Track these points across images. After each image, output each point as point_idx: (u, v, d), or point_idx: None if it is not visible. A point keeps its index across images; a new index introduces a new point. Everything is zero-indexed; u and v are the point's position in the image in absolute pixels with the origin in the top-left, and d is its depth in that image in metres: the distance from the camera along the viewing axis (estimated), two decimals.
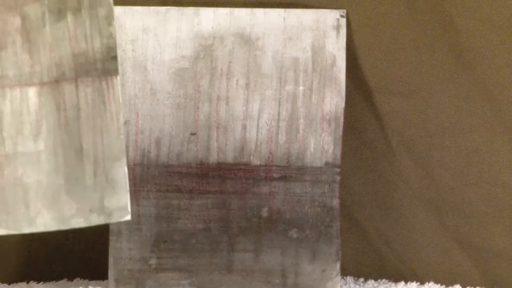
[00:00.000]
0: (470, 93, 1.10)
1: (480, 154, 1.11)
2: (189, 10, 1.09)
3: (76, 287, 1.13)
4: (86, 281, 1.15)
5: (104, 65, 0.96)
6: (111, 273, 1.08)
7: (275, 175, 1.08)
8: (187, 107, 1.08)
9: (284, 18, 1.08)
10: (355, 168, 1.13)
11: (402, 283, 1.13)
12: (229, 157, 1.08)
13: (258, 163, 1.08)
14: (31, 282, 1.16)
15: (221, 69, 1.08)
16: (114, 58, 0.96)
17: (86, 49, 0.96)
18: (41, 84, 0.96)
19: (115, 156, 0.96)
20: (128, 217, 0.94)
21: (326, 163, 1.07)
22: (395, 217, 1.14)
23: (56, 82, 0.96)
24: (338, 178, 1.07)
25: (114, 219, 0.95)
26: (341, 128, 1.07)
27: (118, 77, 0.96)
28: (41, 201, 0.95)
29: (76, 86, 0.96)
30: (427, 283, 1.13)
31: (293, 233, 1.08)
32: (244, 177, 1.07)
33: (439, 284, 1.12)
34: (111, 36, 0.96)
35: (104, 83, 0.96)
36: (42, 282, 1.16)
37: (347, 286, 1.13)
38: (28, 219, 0.94)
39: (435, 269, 1.13)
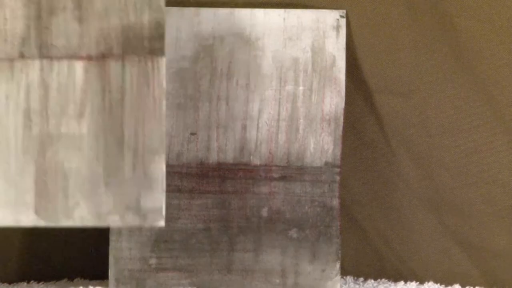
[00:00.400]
0: (470, 93, 1.10)
1: (479, 154, 1.11)
2: (189, 10, 1.09)
3: (76, 287, 1.13)
4: (87, 281, 1.15)
5: (151, 43, 0.93)
6: (111, 273, 1.08)
7: (275, 175, 1.08)
8: (187, 107, 1.08)
9: (284, 18, 1.08)
10: (355, 168, 1.13)
11: (402, 282, 1.13)
12: (229, 157, 1.08)
13: (258, 163, 1.08)
14: (31, 282, 1.16)
15: (221, 69, 1.08)
16: (162, 36, 0.93)
17: (135, 22, 0.93)
18: (89, 58, 0.93)
19: (155, 149, 0.93)
20: (162, 223, 0.93)
21: (326, 163, 1.08)
22: (394, 217, 1.14)
23: (103, 57, 0.93)
24: (338, 178, 1.08)
25: (148, 222, 0.93)
26: (341, 128, 1.08)
27: (164, 58, 0.93)
28: (79, 191, 0.93)
29: (123, 65, 0.93)
30: (426, 282, 1.13)
31: (293, 233, 1.08)
32: (244, 177, 1.08)
33: (438, 284, 1.12)
34: (160, 10, 0.93)
35: (150, 63, 0.93)
36: (43, 282, 1.16)
37: (347, 285, 1.13)
38: (66, 211, 0.92)
39: (434, 268, 1.13)
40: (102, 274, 1.12)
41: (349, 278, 1.15)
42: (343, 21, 1.07)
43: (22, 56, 0.94)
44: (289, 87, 1.08)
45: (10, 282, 1.15)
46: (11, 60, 0.94)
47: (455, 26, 1.08)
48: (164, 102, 0.92)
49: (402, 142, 1.12)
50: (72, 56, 0.93)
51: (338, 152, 1.07)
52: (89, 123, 0.94)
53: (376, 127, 1.12)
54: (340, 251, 1.08)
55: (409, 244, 1.14)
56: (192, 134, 1.08)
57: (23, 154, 0.93)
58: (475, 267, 1.12)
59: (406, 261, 1.14)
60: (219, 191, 1.08)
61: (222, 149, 1.08)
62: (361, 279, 1.15)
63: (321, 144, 1.07)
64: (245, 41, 1.08)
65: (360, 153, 1.13)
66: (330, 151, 1.07)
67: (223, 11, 1.08)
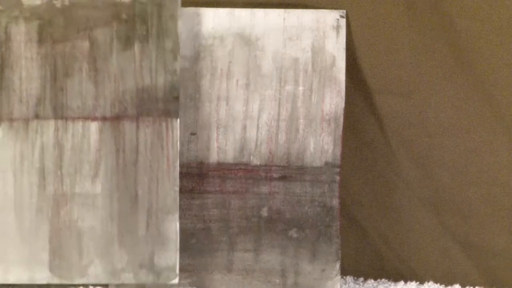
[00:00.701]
0: (469, 93, 1.10)
1: (479, 154, 1.11)
2: (189, 10, 1.09)
3: (76, 287, 1.12)
4: None
5: (165, 105, 0.95)
6: None
7: (275, 175, 1.08)
8: (187, 107, 1.08)
9: (284, 19, 1.08)
10: (354, 168, 1.13)
11: (402, 282, 1.13)
12: (229, 157, 1.08)
13: (258, 163, 1.08)
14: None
15: (221, 69, 1.08)
16: (176, 98, 0.95)
17: (150, 84, 0.95)
18: (103, 119, 0.94)
19: (168, 208, 0.95)
20: (176, 281, 0.94)
21: (326, 163, 1.08)
22: (394, 216, 1.14)
23: (118, 118, 0.95)
24: (337, 178, 1.08)
25: (162, 279, 0.94)
26: (341, 128, 1.08)
27: (178, 120, 0.95)
28: (94, 249, 0.95)
29: (137, 126, 0.95)
30: (426, 282, 1.13)
31: (293, 233, 1.08)
32: (244, 177, 1.08)
33: (438, 284, 1.12)
34: (175, 73, 0.95)
35: (164, 124, 0.95)
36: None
37: (347, 285, 1.13)
38: (81, 269, 0.94)
39: (434, 268, 1.13)
40: None
41: (349, 278, 1.15)
42: (343, 21, 1.07)
43: (37, 116, 0.96)
44: (289, 87, 1.08)
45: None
46: (26, 120, 0.96)
47: (455, 26, 1.08)
48: (177, 163, 0.95)
49: (402, 142, 1.12)
50: (87, 117, 0.96)
51: (338, 152, 1.08)
52: (103, 183, 0.96)
53: (376, 127, 1.13)
54: (340, 251, 1.08)
55: (409, 244, 1.14)
56: (192, 134, 1.08)
57: (38, 212, 0.95)
58: (475, 267, 1.12)
59: (406, 261, 1.14)
60: (219, 191, 1.08)
61: (222, 149, 1.08)
62: (361, 279, 1.15)
63: (321, 144, 1.08)
64: (245, 41, 1.08)
65: (360, 153, 1.13)
66: (330, 151, 1.07)
67: (223, 11, 1.08)
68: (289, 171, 1.08)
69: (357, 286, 1.14)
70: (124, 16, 0.95)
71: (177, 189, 0.93)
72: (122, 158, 0.94)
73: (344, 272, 1.14)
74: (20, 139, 0.95)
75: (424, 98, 1.11)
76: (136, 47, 0.95)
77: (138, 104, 0.94)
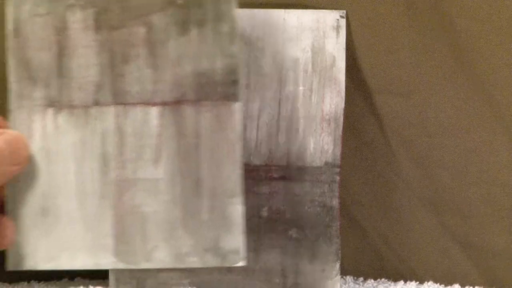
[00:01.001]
0: (469, 93, 1.10)
1: (479, 154, 1.11)
2: None
3: (77, 287, 1.13)
4: (87, 280, 1.15)
5: (224, 89, 0.95)
6: (111, 272, 1.08)
7: (275, 175, 1.08)
8: None
9: (284, 19, 1.08)
10: (354, 168, 1.14)
11: (402, 282, 1.13)
12: None
13: (258, 163, 1.08)
14: (31, 281, 1.16)
15: None
16: (235, 82, 0.94)
17: (208, 69, 0.95)
18: (163, 104, 0.94)
19: (231, 191, 0.95)
20: (243, 263, 0.94)
21: (326, 163, 1.08)
22: (394, 216, 1.14)
23: (178, 103, 0.94)
24: (337, 178, 1.08)
25: (228, 262, 0.94)
26: (340, 128, 1.08)
27: (240, 103, 0.94)
28: (158, 234, 0.94)
29: (197, 110, 0.94)
30: (426, 282, 1.13)
31: (293, 233, 1.08)
32: (244, 177, 1.08)
33: (438, 284, 1.12)
34: (234, 56, 0.94)
35: (223, 108, 0.94)
36: (43, 282, 1.16)
37: (347, 285, 1.13)
38: (145, 253, 0.94)
39: (434, 268, 1.13)
40: (102, 274, 1.12)
41: (349, 278, 1.15)
42: (343, 22, 1.07)
43: (97, 103, 0.95)
44: (289, 87, 1.08)
45: (10, 282, 1.15)
46: (86, 107, 0.95)
47: (455, 26, 1.08)
48: (239, 146, 0.94)
49: (402, 142, 1.12)
50: (147, 102, 0.95)
51: (338, 152, 1.08)
52: (165, 167, 0.95)
53: (376, 127, 1.13)
54: (340, 251, 1.08)
55: (408, 244, 1.14)
56: None
57: (100, 198, 0.95)
58: (474, 267, 1.12)
59: (406, 261, 1.14)
60: None
61: None
62: (361, 279, 1.15)
63: (321, 144, 1.08)
64: (245, 41, 1.08)
65: (360, 153, 1.13)
66: (330, 151, 1.08)
67: None
68: (289, 171, 1.08)
69: (357, 286, 1.14)
70: (179, 1, 0.94)
71: (240, 171, 0.93)
72: (183, 143, 0.94)
73: (344, 272, 1.14)
74: (81, 126, 0.95)
75: (424, 98, 1.11)
76: (193, 31, 0.94)
77: (197, 88, 0.94)
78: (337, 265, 1.08)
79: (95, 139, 0.95)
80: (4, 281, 1.15)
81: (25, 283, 1.16)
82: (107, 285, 1.09)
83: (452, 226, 1.12)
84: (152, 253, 0.93)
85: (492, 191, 1.11)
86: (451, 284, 1.12)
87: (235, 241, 0.94)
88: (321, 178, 1.07)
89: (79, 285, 1.13)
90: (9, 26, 0.96)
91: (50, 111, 0.95)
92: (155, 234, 0.94)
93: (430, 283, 1.13)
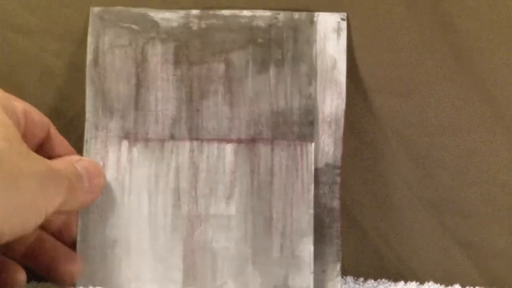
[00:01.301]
0: (470, 93, 1.10)
1: (479, 154, 1.11)
2: None
3: (77, 286, 1.13)
4: None
5: (300, 129, 0.95)
6: None
7: None
8: None
9: None
10: (355, 168, 1.13)
11: (402, 282, 1.13)
12: None
13: None
14: (31, 281, 1.16)
15: None
16: (311, 122, 0.95)
17: (285, 108, 0.95)
18: (238, 141, 0.94)
19: (303, 231, 0.96)
20: None
21: (326, 164, 1.07)
22: (394, 217, 1.14)
23: (253, 141, 0.95)
24: (338, 179, 1.07)
25: None
26: (341, 129, 1.07)
27: (314, 145, 0.95)
28: (228, 270, 0.95)
29: (272, 149, 0.95)
30: (426, 282, 1.13)
31: None
32: None
33: (438, 284, 1.13)
34: (310, 97, 0.95)
35: (299, 148, 0.95)
36: (43, 282, 1.16)
37: (347, 285, 1.13)
38: None
39: (434, 268, 1.13)
40: None
41: (349, 278, 1.15)
42: (344, 24, 1.07)
43: (172, 137, 0.96)
44: None
45: None
46: (161, 140, 0.96)
47: (455, 26, 1.08)
48: (312, 186, 0.95)
49: (402, 142, 1.12)
50: (222, 139, 0.96)
51: (339, 153, 1.07)
52: (237, 204, 0.96)
53: (376, 127, 1.12)
54: (341, 252, 1.08)
55: (409, 244, 1.14)
56: None
57: (172, 232, 0.95)
58: (475, 267, 1.12)
59: (406, 261, 1.14)
60: None
61: None
62: (361, 279, 1.15)
63: (322, 146, 1.07)
64: None
65: (360, 153, 1.13)
66: (330, 152, 1.07)
67: None
68: None
69: (357, 286, 1.14)
70: (260, 40, 0.95)
71: (312, 212, 0.94)
72: (256, 180, 0.95)
73: (344, 272, 1.14)
74: (156, 159, 0.96)
75: (424, 98, 1.11)
76: (272, 70, 0.95)
77: (273, 127, 0.95)
78: (338, 266, 1.08)
79: (170, 173, 0.95)
80: None
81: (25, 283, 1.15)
82: None
83: (452, 226, 1.12)
84: None
85: (492, 191, 1.11)
86: (451, 284, 1.12)
87: (304, 280, 0.95)
88: (321, 179, 1.07)
89: (79, 285, 1.13)
90: (89, 56, 0.97)
91: (125, 143, 0.96)
92: (225, 270, 0.94)
93: (431, 283, 1.13)
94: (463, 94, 1.10)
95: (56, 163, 0.90)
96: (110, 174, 0.96)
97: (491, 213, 1.11)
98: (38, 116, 0.96)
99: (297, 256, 0.95)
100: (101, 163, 0.96)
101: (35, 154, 0.86)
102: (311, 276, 0.95)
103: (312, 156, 0.95)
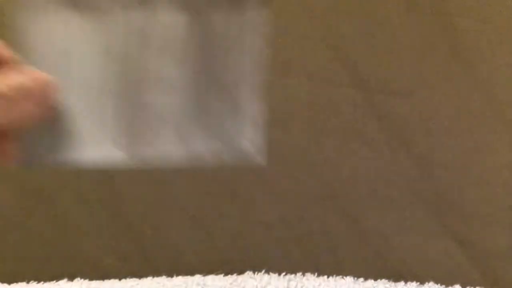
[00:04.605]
0: (470, 93, 1.10)
1: (479, 154, 1.11)
2: None
3: (77, 287, 1.13)
4: (87, 281, 1.15)
5: None
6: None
7: None
8: None
9: None
10: (354, 168, 1.13)
11: (402, 283, 1.13)
12: None
13: None
14: (31, 281, 1.16)
15: None
16: None
17: None
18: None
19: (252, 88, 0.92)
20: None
21: None
22: (394, 217, 1.13)
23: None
24: None
25: (246, 161, 0.91)
26: None
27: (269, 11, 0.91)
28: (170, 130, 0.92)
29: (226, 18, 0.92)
30: (426, 283, 1.12)
31: None
32: None
33: (438, 284, 1.12)
34: None
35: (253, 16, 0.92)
36: (42, 282, 1.16)
37: (347, 285, 1.13)
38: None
39: (434, 269, 1.13)
40: (102, 274, 1.12)
41: (349, 278, 1.14)
42: None
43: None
44: None
45: (10, 282, 1.15)
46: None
47: (455, 26, 1.08)
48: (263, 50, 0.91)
49: (402, 142, 1.12)
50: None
51: None
52: (187, 67, 0.92)
53: (376, 127, 1.12)
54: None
55: (409, 244, 1.13)
56: None
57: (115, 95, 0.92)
58: (475, 267, 1.12)
59: (406, 261, 1.14)
60: None
61: None
62: (361, 279, 1.15)
63: None
64: None
65: (360, 153, 1.13)
66: None
67: None
68: None
69: (357, 286, 1.13)
70: None
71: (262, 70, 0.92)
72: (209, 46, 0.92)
73: (344, 272, 1.13)
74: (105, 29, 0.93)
75: (424, 98, 1.11)
76: None
77: None
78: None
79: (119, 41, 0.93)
80: (3, 281, 1.15)
81: (24, 284, 1.15)
82: (106, 285, 1.09)
83: (453, 226, 1.12)
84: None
85: (492, 191, 1.11)
86: (451, 284, 1.12)
87: (255, 138, 0.91)
88: None
89: (79, 285, 1.13)
90: None
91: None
92: (168, 131, 0.92)
93: (431, 283, 1.12)
94: (463, 94, 1.10)
95: None
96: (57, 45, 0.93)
97: (491, 213, 1.11)
98: None
99: (246, 114, 0.92)
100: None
101: None
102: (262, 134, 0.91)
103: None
